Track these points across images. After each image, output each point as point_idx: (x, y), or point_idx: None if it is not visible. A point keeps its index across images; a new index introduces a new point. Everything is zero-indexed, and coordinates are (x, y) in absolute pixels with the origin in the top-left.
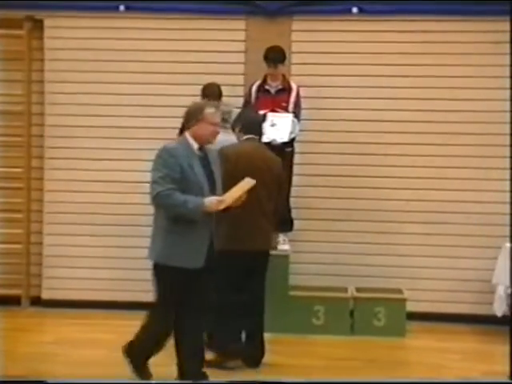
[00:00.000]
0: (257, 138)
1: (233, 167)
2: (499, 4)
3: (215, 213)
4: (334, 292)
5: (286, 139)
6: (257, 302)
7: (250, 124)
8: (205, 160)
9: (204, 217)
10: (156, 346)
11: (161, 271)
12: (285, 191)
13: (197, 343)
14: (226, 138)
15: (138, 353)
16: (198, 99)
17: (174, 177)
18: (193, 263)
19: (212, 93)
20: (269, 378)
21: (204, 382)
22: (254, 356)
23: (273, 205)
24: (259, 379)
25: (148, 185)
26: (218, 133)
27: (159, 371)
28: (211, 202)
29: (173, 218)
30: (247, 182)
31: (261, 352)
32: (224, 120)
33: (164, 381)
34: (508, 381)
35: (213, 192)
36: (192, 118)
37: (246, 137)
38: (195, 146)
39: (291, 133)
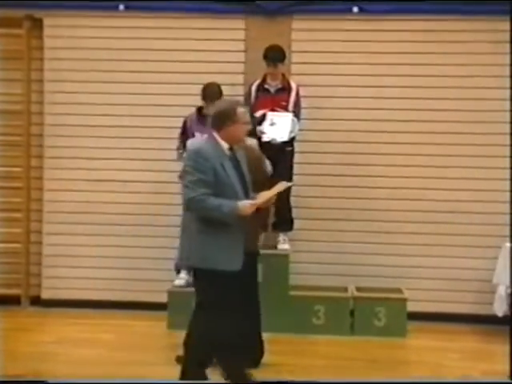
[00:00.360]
0: None
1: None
2: (498, 4)
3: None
4: (334, 292)
5: (285, 138)
6: (253, 303)
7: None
8: (235, 160)
9: (238, 220)
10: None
11: (201, 275)
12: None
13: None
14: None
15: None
16: (198, 98)
17: (207, 180)
18: (230, 265)
19: (213, 93)
20: (269, 378)
21: (204, 381)
22: (253, 356)
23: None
24: (259, 379)
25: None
26: (248, 131)
27: (157, 370)
28: (245, 205)
29: (206, 220)
30: (282, 185)
31: (260, 352)
32: None
33: (164, 381)
34: (508, 381)
35: (246, 193)
36: (226, 119)
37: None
38: (225, 146)
39: (291, 132)
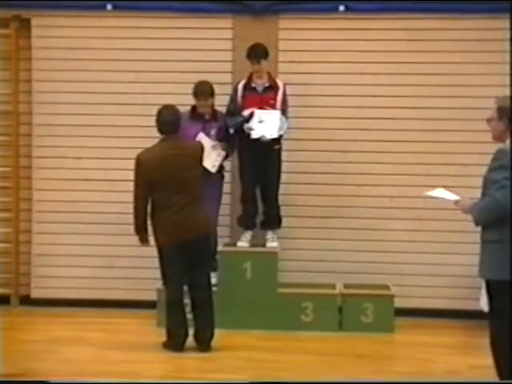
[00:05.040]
0: (173, 135)
1: (146, 171)
2: (485, 3)
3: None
4: (322, 289)
5: (275, 135)
6: (204, 293)
7: (163, 123)
8: None
9: None
10: None
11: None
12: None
13: None
14: None
15: None
16: (186, 97)
17: None
18: None
19: (206, 90)
20: (258, 375)
21: (202, 381)
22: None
23: (200, 192)
24: (250, 375)
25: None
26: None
27: (147, 368)
28: None
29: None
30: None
31: (209, 339)
32: None
33: (164, 381)
34: (509, 381)
35: None
36: None
37: (161, 137)
38: None
39: (280, 129)
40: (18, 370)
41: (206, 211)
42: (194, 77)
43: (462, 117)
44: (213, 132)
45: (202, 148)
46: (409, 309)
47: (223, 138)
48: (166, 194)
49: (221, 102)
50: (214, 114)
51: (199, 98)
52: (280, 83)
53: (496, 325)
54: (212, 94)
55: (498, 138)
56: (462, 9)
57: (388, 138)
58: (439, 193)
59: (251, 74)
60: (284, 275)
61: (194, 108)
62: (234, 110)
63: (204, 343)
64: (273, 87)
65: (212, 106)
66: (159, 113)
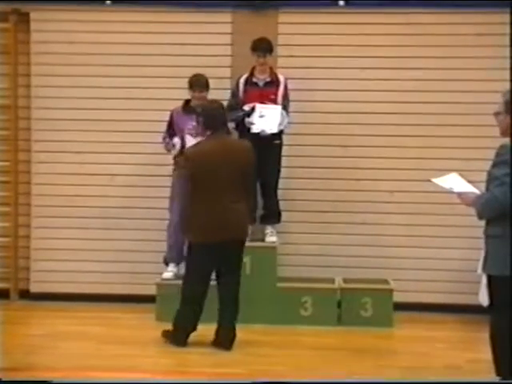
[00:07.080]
0: (220, 131)
1: (195, 167)
2: None
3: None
4: (322, 283)
5: (275, 130)
6: (232, 293)
7: (210, 119)
8: None
9: None
10: None
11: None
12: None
13: None
14: None
15: None
16: (185, 92)
17: None
18: None
19: (201, 82)
20: (257, 369)
21: (207, 382)
22: (224, 342)
23: (245, 194)
24: (249, 370)
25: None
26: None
27: (146, 363)
28: None
29: None
30: None
31: (232, 338)
32: None
33: (165, 380)
34: (508, 381)
35: None
36: None
37: (208, 133)
38: None
39: (280, 124)
40: (17, 364)
41: (248, 213)
42: (194, 71)
43: (462, 111)
44: None
45: (252, 149)
46: (408, 303)
47: None
48: (211, 191)
49: (220, 97)
50: None
51: (195, 89)
52: (282, 78)
53: (496, 320)
54: (207, 86)
55: (505, 132)
56: (462, 3)
57: (388, 133)
58: (451, 179)
59: (253, 69)
60: (283, 270)
61: (186, 102)
62: (235, 104)
63: (227, 342)
64: (274, 82)
65: (205, 99)
66: (204, 109)
